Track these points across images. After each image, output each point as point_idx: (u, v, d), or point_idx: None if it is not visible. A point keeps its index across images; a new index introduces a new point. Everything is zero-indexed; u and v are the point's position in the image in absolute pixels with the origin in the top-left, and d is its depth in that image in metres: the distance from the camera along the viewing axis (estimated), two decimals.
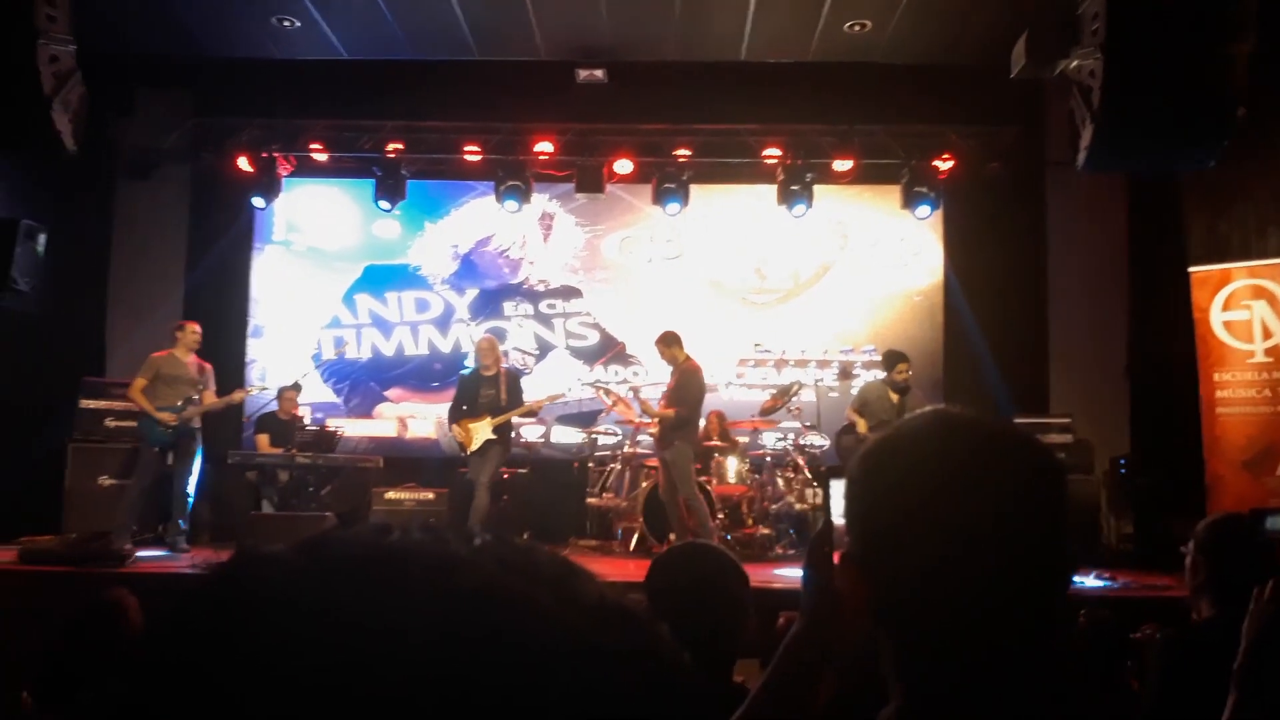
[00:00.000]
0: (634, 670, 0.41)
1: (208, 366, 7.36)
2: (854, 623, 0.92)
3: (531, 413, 7.92)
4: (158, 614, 0.41)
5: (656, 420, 7.10)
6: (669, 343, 7.21)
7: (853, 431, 7.66)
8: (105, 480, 7.61)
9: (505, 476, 8.18)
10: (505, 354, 9.43)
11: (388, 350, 9.57)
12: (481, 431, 7.38)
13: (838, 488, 0.98)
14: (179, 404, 7.02)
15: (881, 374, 7.87)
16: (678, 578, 1.89)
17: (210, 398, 7.25)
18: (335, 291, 9.63)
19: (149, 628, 0.41)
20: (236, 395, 7.67)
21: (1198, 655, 2.17)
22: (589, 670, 0.40)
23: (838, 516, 1.00)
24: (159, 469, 7.07)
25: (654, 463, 7.94)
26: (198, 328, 7.33)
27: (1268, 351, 7.49)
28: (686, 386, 7.03)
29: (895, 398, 7.44)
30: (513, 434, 7.79)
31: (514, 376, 7.78)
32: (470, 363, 8.05)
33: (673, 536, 6.95)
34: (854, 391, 9.19)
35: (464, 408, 7.53)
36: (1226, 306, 7.66)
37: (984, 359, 8.83)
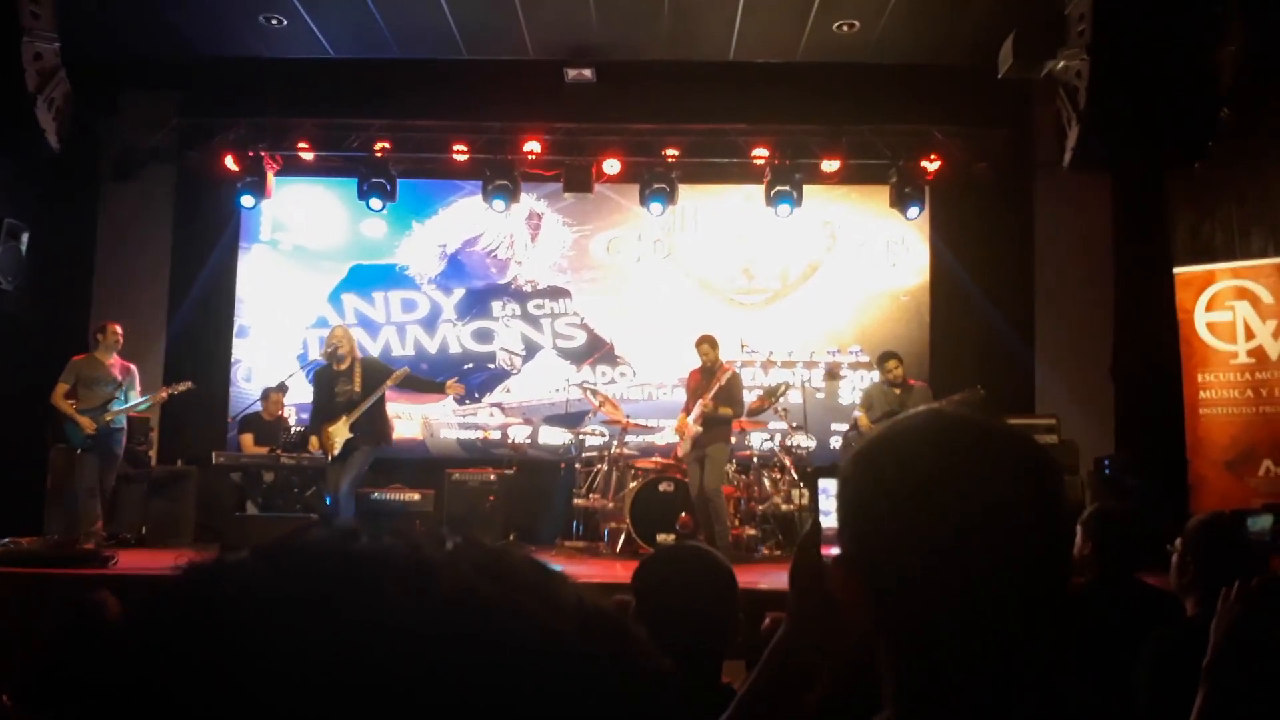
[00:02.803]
0: (614, 673, 0.41)
1: (131, 367, 7.34)
2: (845, 625, 0.90)
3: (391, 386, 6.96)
4: (114, 632, 0.40)
5: (699, 419, 7.16)
6: (714, 344, 7.40)
7: (856, 428, 7.74)
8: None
9: (492, 478, 8.15)
10: (495, 353, 9.44)
11: (374, 350, 9.50)
12: (340, 434, 6.69)
13: (825, 488, 0.97)
14: (99, 406, 7.00)
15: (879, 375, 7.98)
16: (665, 579, 1.88)
17: (135, 399, 7.25)
18: (321, 291, 9.58)
19: (107, 647, 0.40)
20: (161, 394, 7.46)
21: (1184, 652, 2.19)
22: (568, 673, 0.39)
23: (826, 517, 0.99)
24: (89, 472, 7.04)
25: (642, 463, 7.95)
26: (119, 329, 7.26)
27: (1250, 352, 7.54)
28: (738, 387, 7.34)
29: (896, 392, 7.55)
30: (386, 426, 7.06)
31: (370, 364, 7.05)
32: (322, 357, 7.16)
33: (701, 536, 7.00)
34: (840, 393, 9.24)
35: (322, 413, 6.82)
36: (1210, 307, 7.71)
37: (970, 359, 8.86)
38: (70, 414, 6.96)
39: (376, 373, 6.95)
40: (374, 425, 6.87)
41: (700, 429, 7.17)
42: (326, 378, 6.95)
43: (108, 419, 7.01)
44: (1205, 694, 1.56)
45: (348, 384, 6.81)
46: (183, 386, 7.53)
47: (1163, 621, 2.47)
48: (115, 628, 0.41)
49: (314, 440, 6.93)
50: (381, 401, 6.98)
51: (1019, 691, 0.77)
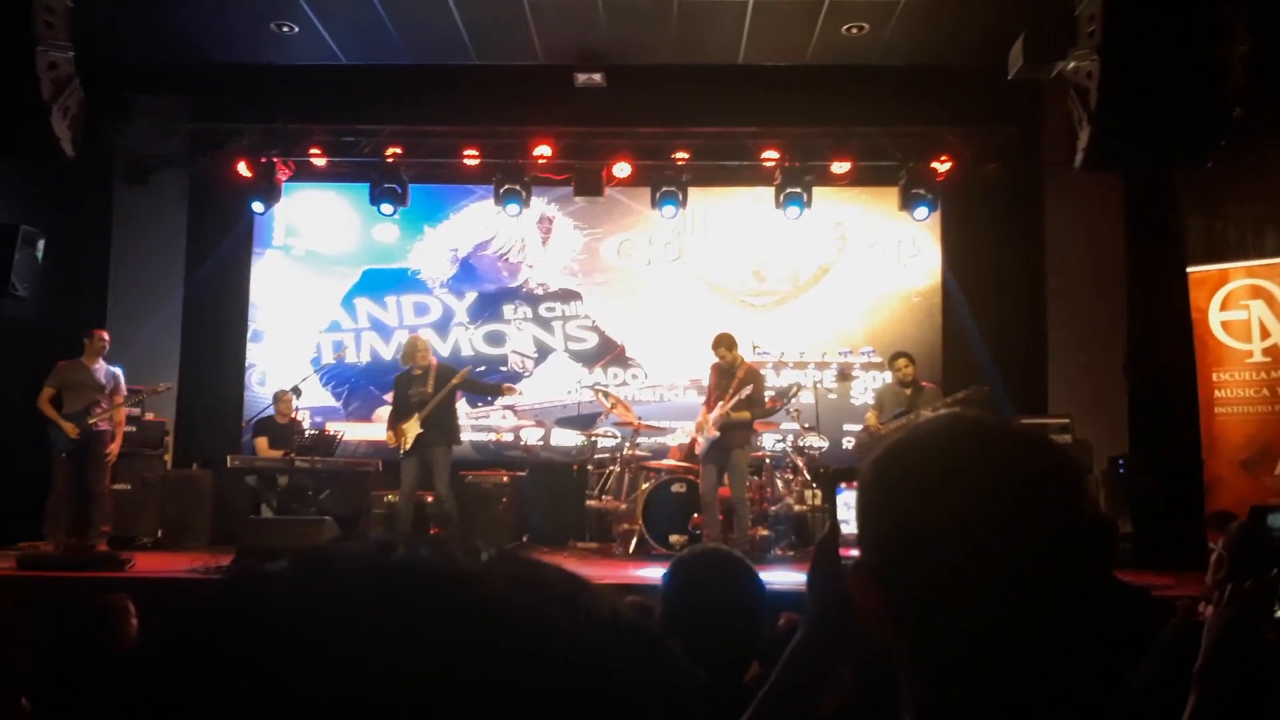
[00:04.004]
0: (647, 688, 0.40)
1: (117, 372, 7.53)
2: (864, 630, 0.90)
3: (466, 389, 7.62)
4: (149, 641, 0.40)
5: (718, 422, 7.10)
6: (730, 346, 7.32)
7: (867, 429, 7.74)
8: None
9: (505, 480, 8.17)
10: (507, 355, 9.47)
11: (387, 354, 9.56)
12: (411, 430, 7.28)
13: (842, 489, 0.98)
14: (83, 410, 7.17)
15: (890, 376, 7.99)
16: (697, 581, 1.89)
17: (120, 401, 7.44)
18: (334, 295, 9.63)
19: (140, 656, 0.40)
20: (145, 392, 7.82)
21: (1195, 649, 2.19)
22: (602, 688, 0.39)
23: (846, 525, 0.99)
24: (72, 474, 7.17)
25: (656, 464, 7.95)
26: (106, 335, 7.50)
27: (1265, 351, 7.51)
28: (759, 387, 7.25)
29: (906, 393, 7.54)
30: (456, 427, 7.62)
31: (444, 369, 7.63)
32: (401, 361, 7.92)
33: (705, 534, 7.00)
34: (853, 393, 9.23)
35: (398, 413, 7.48)
36: (1224, 306, 7.68)
37: (983, 360, 8.84)
38: (54, 418, 7.12)
39: (447, 376, 7.46)
40: (444, 425, 7.39)
41: (718, 433, 7.12)
42: (404, 381, 7.54)
43: (87, 425, 7.15)
44: (1196, 700, 1.55)
45: (421, 386, 7.38)
46: (162, 387, 7.98)
47: (1141, 614, 2.50)
48: (132, 638, 0.41)
49: (389, 435, 7.44)
50: (451, 404, 7.51)
51: (1041, 698, 0.75)
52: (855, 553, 0.86)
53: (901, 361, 7.65)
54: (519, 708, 0.37)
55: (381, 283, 9.64)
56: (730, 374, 7.21)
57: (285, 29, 8.33)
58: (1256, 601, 1.55)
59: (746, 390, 7.08)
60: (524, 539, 8.06)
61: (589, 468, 8.25)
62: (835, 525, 1.05)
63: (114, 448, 7.42)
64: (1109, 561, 3.22)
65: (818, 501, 7.72)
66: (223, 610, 0.40)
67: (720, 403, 7.15)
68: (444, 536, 0.46)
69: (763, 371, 8.99)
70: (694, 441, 7.62)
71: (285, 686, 0.36)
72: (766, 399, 7.53)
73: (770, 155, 8.87)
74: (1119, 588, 3.15)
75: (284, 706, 0.36)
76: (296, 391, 8.45)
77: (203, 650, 0.38)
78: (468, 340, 9.53)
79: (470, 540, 0.45)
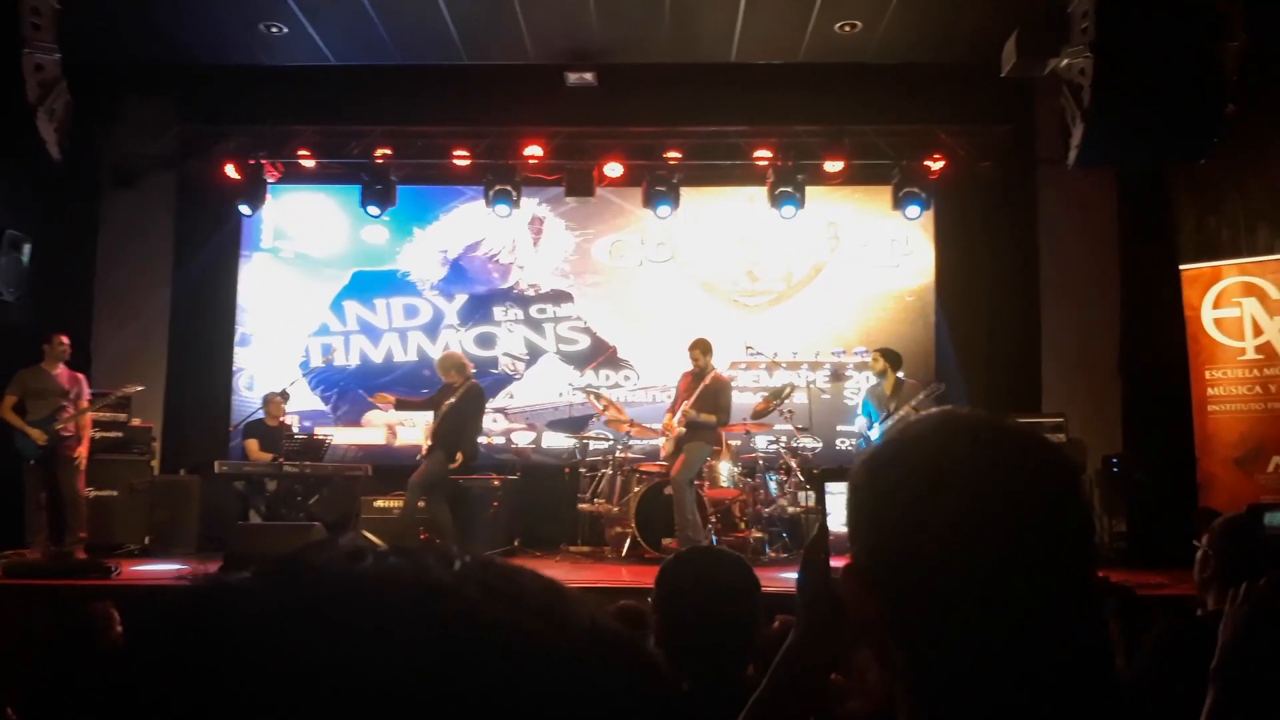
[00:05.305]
0: (628, 700, 0.39)
1: (80, 376, 7.44)
2: (856, 633, 0.88)
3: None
4: (115, 654, 0.39)
5: (682, 420, 7.20)
6: (706, 350, 7.41)
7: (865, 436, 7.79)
8: (90, 492, 7.53)
9: (496, 483, 8.14)
10: (498, 358, 9.43)
11: (376, 357, 9.51)
12: (427, 438, 7.57)
13: (833, 490, 0.95)
14: (48, 416, 7.09)
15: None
16: (690, 582, 1.87)
17: (85, 405, 7.37)
18: (323, 298, 9.56)
19: (106, 669, 0.39)
20: (114, 394, 7.82)
21: (1197, 646, 2.17)
22: (580, 701, 0.38)
23: (830, 516, 0.96)
24: (44, 482, 7.11)
25: (647, 467, 7.91)
26: (65, 339, 7.38)
27: (1258, 349, 7.50)
28: (725, 395, 7.37)
29: (886, 393, 7.55)
30: (460, 443, 7.60)
31: (472, 391, 7.66)
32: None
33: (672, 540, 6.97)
34: (846, 394, 9.21)
35: (428, 410, 7.80)
36: (1217, 304, 7.67)
37: (976, 358, 8.82)
38: (20, 426, 7.03)
39: (467, 402, 7.57)
40: (448, 439, 7.47)
41: (684, 430, 7.20)
42: (444, 391, 7.70)
43: (54, 431, 7.07)
44: (1214, 696, 1.53)
45: (446, 399, 7.55)
46: (132, 389, 7.92)
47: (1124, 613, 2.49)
48: (116, 645, 0.39)
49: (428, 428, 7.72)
50: (462, 424, 7.57)
51: (1038, 698, 0.74)
52: (838, 562, 0.83)
53: (873, 355, 7.76)
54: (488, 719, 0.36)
55: (371, 285, 9.58)
56: (699, 379, 7.30)
57: (274, 29, 8.29)
58: (1271, 597, 1.53)
59: (710, 377, 7.16)
60: (515, 543, 8.01)
61: (581, 470, 8.20)
62: (825, 527, 1.02)
63: (82, 450, 7.27)
64: (1094, 559, 3.18)
65: (811, 503, 7.69)
66: (185, 622, 0.39)
67: (683, 406, 7.25)
68: (425, 544, 0.44)
69: (757, 372, 8.98)
70: (663, 447, 7.63)
71: (243, 697, 0.35)
72: (753, 402, 7.62)
73: (763, 154, 8.85)
74: (1102, 585, 3.14)
75: (241, 717, 0.35)
76: (285, 395, 8.40)
77: (165, 663, 0.37)
78: (458, 343, 9.47)
79: (445, 547, 0.43)
